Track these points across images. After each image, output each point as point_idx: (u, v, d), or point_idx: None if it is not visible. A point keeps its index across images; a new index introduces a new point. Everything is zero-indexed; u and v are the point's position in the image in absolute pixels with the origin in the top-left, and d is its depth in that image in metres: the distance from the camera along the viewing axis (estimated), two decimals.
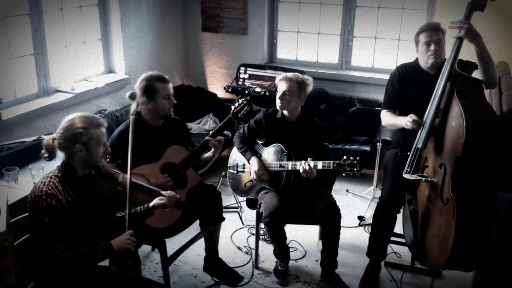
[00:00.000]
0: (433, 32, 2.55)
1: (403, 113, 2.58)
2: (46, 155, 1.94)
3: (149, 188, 2.24)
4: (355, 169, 2.55)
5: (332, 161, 2.58)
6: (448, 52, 2.43)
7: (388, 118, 2.72)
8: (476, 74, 2.45)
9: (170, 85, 2.58)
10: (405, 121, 2.48)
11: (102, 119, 2.01)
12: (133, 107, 2.57)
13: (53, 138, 1.93)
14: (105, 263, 2.04)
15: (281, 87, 2.75)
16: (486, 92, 2.53)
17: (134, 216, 2.13)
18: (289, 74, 2.78)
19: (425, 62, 2.60)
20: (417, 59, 2.70)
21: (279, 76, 2.79)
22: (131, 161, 2.12)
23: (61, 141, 1.91)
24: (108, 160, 2.10)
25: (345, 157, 2.59)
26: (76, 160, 1.93)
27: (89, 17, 3.85)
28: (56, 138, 1.92)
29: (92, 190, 1.99)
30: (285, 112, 2.81)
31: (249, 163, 2.84)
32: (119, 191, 2.07)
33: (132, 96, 2.54)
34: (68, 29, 3.64)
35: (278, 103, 2.78)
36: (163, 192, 2.20)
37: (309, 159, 2.61)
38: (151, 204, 2.17)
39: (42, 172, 2.59)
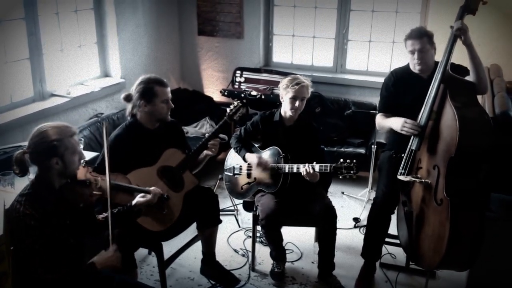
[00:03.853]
0: (416, 40, 2.51)
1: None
2: (18, 171, 1.85)
3: (130, 187, 2.23)
4: (351, 172, 2.56)
5: (329, 164, 2.59)
6: (440, 55, 2.46)
7: (382, 122, 2.74)
8: (468, 79, 2.49)
9: (169, 89, 2.57)
10: (400, 126, 2.49)
11: (74, 127, 1.92)
12: (128, 109, 2.58)
13: (23, 152, 1.84)
14: None
15: (300, 93, 2.69)
16: None
17: (119, 216, 2.11)
18: (303, 80, 2.72)
19: (413, 68, 2.63)
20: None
21: (293, 82, 2.69)
22: (108, 163, 2.04)
23: (35, 155, 1.82)
24: (83, 165, 2.05)
25: (342, 160, 2.59)
26: (51, 173, 1.85)
27: (85, 21, 3.86)
28: (28, 153, 1.83)
29: (70, 199, 1.92)
30: (290, 115, 2.78)
31: (245, 161, 2.85)
32: (99, 195, 2.02)
33: (128, 98, 2.53)
34: (64, 33, 3.65)
35: (294, 109, 2.72)
36: (145, 188, 2.20)
37: (314, 163, 2.61)
38: (133, 202, 2.17)
39: None
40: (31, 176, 2.56)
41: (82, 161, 1.99)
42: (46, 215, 1.81)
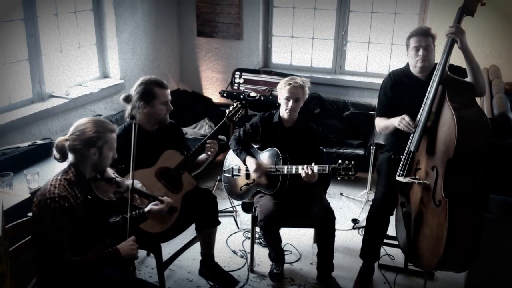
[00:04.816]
0: (422, 37, 2.57)
1: None
2: (58, 156, 1.94)
3: (148, 194, 2.25)
4: (350, 173, 2.56)
5: (327, 165, 2.60)
6: (439, 56, 2.47)
7: (381, 123, 2.74)
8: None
9: (169, 91, 2.57)
10: (397, 121, 2.51)
11: (113, 125, 2.03)
12: (127, 110, 2.58)
13: (65, 139, 1.93)
14: None
15: (293, 94, 2.71)
16: None
17: (131, 221, 2.13)
18: (298, 80, 2.75)
19: (414, 66, 2.64)
20: (408, 63, 2.73)
21: (286, 83, 2.74)
22: (133, 165, 2.12)
23: (76, 143, 1.91)
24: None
25: (340, 161, 2.60)
26: (86, 163, 1.95)
27: (84, 22, 3.86)
28: (69, 140, 1.92)
29: (98, 193, 2.00)
30: (287, 116, 2.79)
31: (244, 164, 2.85)
32: (121, 195, 2.09)
33: (127, 99, 2.53)
34: (63, 34, 3.65)
35: (288, 109, 2.73)
36: (160, 198, 2.21)
37: (313, 164, 2.62)
38: (146, 209, 2.19)
39: (37, 177, 2.59)
40: (29, 177, 2.58)
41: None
42: (78, 201, 1.90)
